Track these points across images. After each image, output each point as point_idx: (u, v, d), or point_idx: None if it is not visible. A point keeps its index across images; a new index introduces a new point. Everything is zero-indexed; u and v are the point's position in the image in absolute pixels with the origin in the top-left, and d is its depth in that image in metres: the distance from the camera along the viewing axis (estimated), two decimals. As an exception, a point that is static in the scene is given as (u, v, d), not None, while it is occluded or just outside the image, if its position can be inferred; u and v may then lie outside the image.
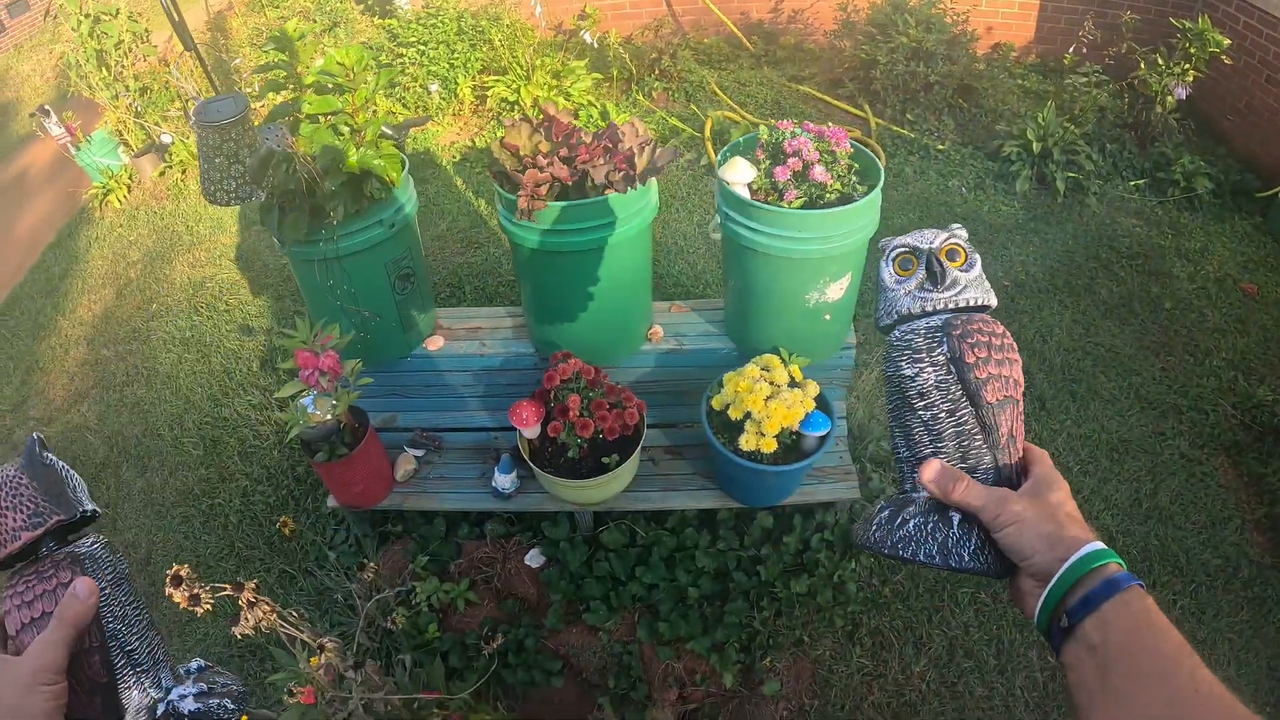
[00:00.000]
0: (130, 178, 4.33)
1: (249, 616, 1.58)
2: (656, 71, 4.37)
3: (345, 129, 1.70)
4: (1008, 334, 0.69)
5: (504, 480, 2.11)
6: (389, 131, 4.38)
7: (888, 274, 0.73)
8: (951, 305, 0.69)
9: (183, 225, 3.99)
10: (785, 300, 1.93)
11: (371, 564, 1.74)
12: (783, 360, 1.92)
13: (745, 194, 1.84)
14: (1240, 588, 2.14)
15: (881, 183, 1.84)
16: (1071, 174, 3.44)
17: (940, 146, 3.74)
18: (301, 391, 1.90)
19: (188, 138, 4.34)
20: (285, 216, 1.72)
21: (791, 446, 1.87)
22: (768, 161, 1.91)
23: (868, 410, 2.55)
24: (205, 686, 0.74)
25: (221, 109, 1.68)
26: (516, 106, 4.17)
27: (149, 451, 2.88)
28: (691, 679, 1.96)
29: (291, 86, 1.75)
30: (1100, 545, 0.60)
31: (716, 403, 1.89)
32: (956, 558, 0.64)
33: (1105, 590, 0.57)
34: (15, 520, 0.67)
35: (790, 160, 1.85)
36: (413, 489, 2.22)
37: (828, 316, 1.96)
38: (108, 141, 4.31)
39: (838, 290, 1.93)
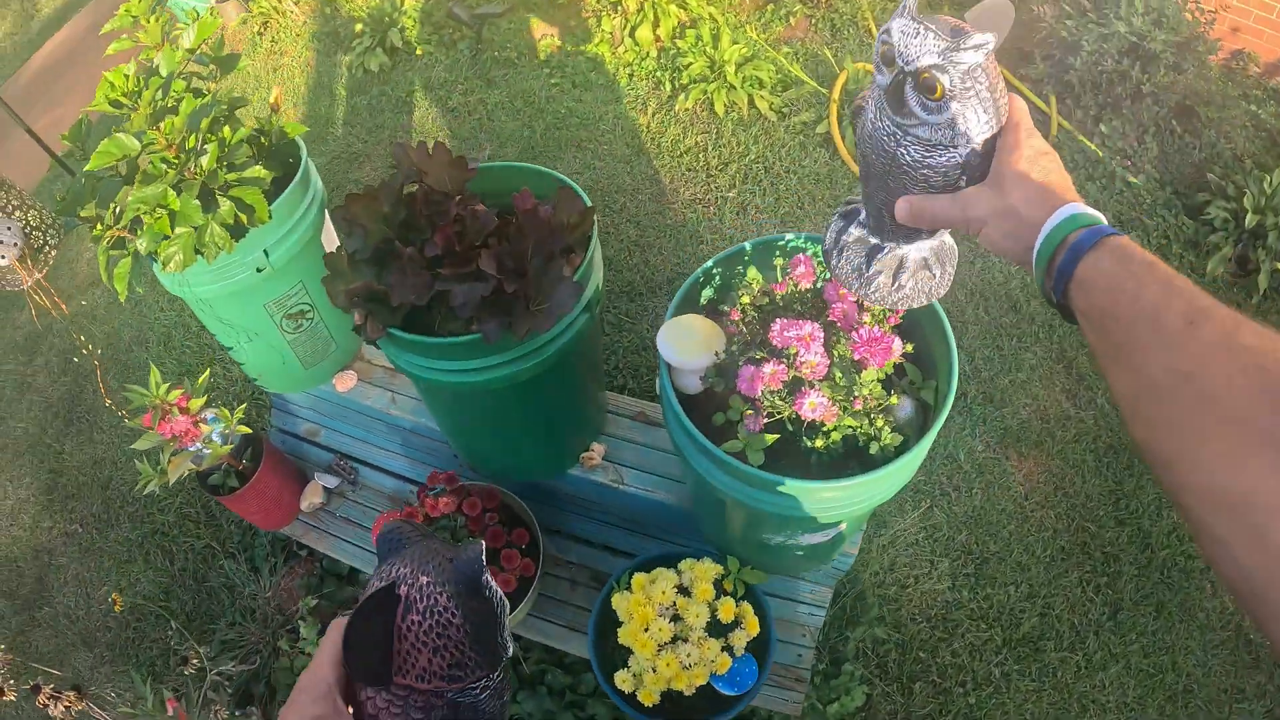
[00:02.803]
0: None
1: (55, 712, 1.47)
2: (805, -9, 3.48)
3: (163, 166, 1.28)
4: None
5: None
6: (462, 15, 3.68)
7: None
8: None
9: (251, 83, 3.75)
10: (742, 531, 1.41)
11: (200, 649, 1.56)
12: (727, 573, 1.44)
13: (692, 385, 1.20)
14: None
15: (938, 426, 1.07)
16: (1285, 269, 2.47)
17: (1133, 179, 2.79)
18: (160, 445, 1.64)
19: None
20: (114, 265, 1.37)
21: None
22: (744, 335, 1.17)
23: (873, 577, 1.98)
24: None
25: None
26: (619, 7, 3.46)
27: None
28: None
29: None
30: (1069, 211, 0.55)
31: (617, 603, 1.44)
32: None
33: (1071, 258, 0.53)
34: (433, 665, 0.54)
35: (768, 366, 1.07)
36: (316, 523, 2.01)
37: (800, 553, 1.43)
38: (196, -22, 4.02)
39: (820, 538, 1.35)
